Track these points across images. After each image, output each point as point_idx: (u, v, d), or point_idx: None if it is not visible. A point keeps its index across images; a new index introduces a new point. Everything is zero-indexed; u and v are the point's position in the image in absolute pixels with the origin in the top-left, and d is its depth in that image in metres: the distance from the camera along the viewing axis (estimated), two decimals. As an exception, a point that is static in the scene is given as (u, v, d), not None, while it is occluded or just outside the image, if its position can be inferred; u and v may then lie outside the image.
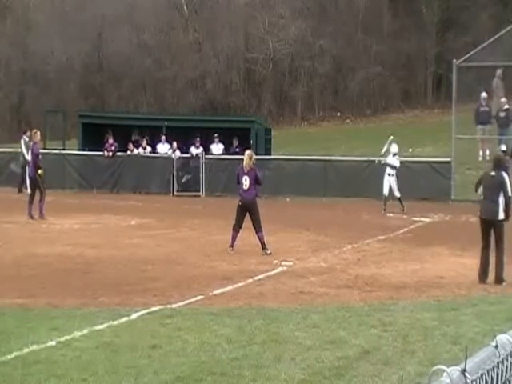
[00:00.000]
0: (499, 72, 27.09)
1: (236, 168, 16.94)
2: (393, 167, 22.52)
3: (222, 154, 28.51)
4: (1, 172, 28.83)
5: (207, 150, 28.49)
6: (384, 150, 22.78)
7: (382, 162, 22.76)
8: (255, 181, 15.74)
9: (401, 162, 23.39)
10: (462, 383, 2.30)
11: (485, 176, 13.34)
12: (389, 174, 22.56)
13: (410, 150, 25.12)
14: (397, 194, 22.40)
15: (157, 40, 49.26)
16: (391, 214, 22.02)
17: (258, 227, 15.50)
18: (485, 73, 27.03)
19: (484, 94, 27.02)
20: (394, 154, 22.69)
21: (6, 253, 15.04)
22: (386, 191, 22.50)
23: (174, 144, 28.35)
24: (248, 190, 15.69)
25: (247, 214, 15.66)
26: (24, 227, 19.25)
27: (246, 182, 15.69)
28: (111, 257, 14.85)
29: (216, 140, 28.88)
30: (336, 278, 13.18)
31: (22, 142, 25.67)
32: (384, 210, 22.10)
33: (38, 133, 22.37)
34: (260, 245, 15.43)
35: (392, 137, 23.01)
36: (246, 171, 15.77)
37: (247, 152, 16.59)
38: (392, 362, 8.29)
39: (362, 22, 46.91)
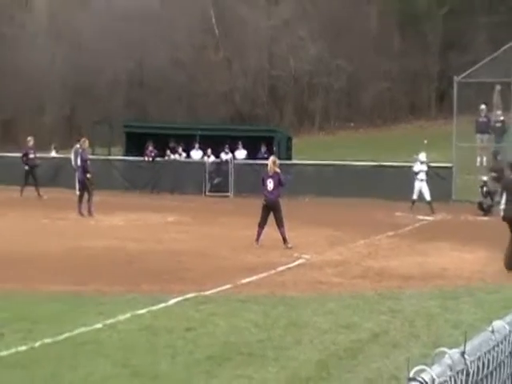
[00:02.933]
0: (498, 88, 26.86)
1: (261, 172, 16.94)
2: (423, 172, 22.28)
3: (245, 158, 28.53)
4: (56, 174, 29.01)
5: (235, 156, 28.54)
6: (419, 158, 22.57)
7: (414, 171, 22.50)
8: (279, 183, 15.76)
9: (406, 167, 23.29)
10: (461, 364, 2.30)
11: (507, 181, 13.31)
12: (421, 180, 22.33)
13: (415, 156, 24.94)
14: (427, 197, 22.13)
15: (191, 58, 49.36)
16: (399, 213, 21.90)
17: (280, 224, 15.50)
18: (483, 88, 26.81)
19: (483, 106, 26.82)
20: (422, 162, 22.52)
21: (59, 245, 15.13)
22: (415, 196, 22.25)
23: (209, 150, 28.38)
24: (272, 191, 15.70)
25: (271, 212, 15.66)
26: (75, 223, 19.35)
27: (270, 184, 15.71)
28: (151, 249, 14.89)
29: (239, 146, 28.91)
30: (350, 269, 13.13)
31: (74, 149, 25.89)
32: (411, 209, 21.82)
33: (87, 141, 22.55)
34: (282, 239, 15.43)
35: (426, 141, 22.96)
36: (270, 174, 15.79)
37: (271, 158, 16.64)
38: (399, 345, 8.25)
39: (373, 43, 46.74)
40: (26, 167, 26.06)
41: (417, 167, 22.54)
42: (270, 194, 15.71)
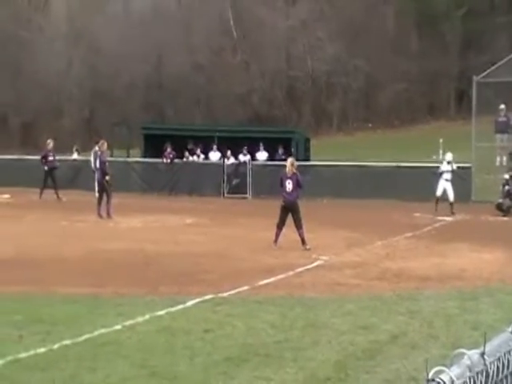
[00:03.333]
0: (519, 87, 26.68)
1: (279, 173, 16.92)
2: (448, 172, 22.18)
3: (266, 160, 28.53)
4: (76, 176, 29.15)
5: (253, 157, 28.54)
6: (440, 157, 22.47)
7: (440, 170, 22.39)
8: (297, 184, 15.73)
9: (424, 168, 23.20)
10: (481, 365, 2.27)
11: None
12: (446, 180, 22.20)
13: (434, 156, 24.85)
14: (451, 198, 22.01)
15: (209, 60, 49.48)
16: (418, 214, 21.80)
17: (299, 225, 15.48)
18: (502, 88, 26.62)
19: (502, 106, 26.65)
20: (449, 162, 22.41)
21: (78, 248, 15.19)
22: (439, 193, 22.11)
23: (228, 152, 28.40)
24: (290, 192, 15.68)
25: (289, 213, 15.64)
26: (94, 225, 19.42)
27: (288, 185, 15.69)
28: (170, 251, 14.91)
29: (261, 148, 28.91)
30: (368, 270, 13.08)
31: (93, 151, 26.02)
32: (436, 210, 21.70)
33: (105, 143, 22.63)
34: (300, 241, 15.40)
35: (441, 140, 22.85)
36: (288, 176, 15.77)
37: (289, 159, 16.60)
38: (418, 346, 8.20)
39: (391, 43, 46.63)
40: (46, 168, 26.24)
41: (443, 167, 22.40)
42: (288, 196, 15.69)
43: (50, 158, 26.58)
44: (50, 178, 26.19)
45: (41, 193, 25.75)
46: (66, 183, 27.39)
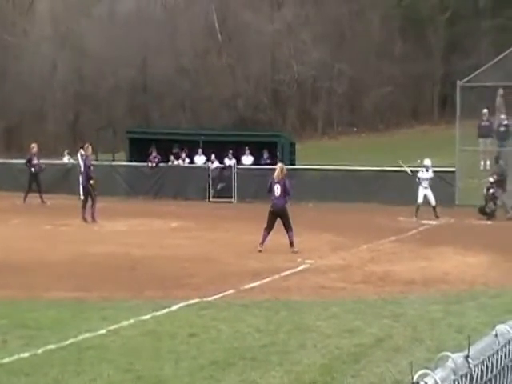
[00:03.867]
0: (501, 91, 26.85)
1: (265, 177, 16.95)
2: (426, 180, 22.22)
3: (252, 164, 28.53)
4: (60, 182, 29.01)
5: (239, 161, 28.53)
6: (409, 171, 22.50)
7: (418, 178, 22.40)
8: (285, 191, 15.78)
9: (412, 172, 23.29)
10: (465, 368, 2.29)
11: None
12: (425, 187, 22.21)
13: (419, 160, 24.92)
14: (433, 202, 22.05)
15: (194, 64, 49.44)
16: (402, 218, 21.87)
17: (288, 228, 15.59)
18: (486, 92, 26.79)
19: (485, 110, 26.81)
20: (427, 169, 22.42)
21: (62, 252, 15.14)
22: (420, 200, 22.13)
23: (213, 156, 28.39)
24: (279, 197, 15.73)
25: (277, 218, 15.69)
26: (78, 229, 19.35)
27: (277, 190, 15.74)
28: (155, 255, 14.88)
29: (247, 152, 28.90)
30: (353, 274, 13.12)
31: (79, 155, 25.93)
32: (416, 216, 21.66)
33: (90, 147, 22.58)
34: (289, 243, 15.45)
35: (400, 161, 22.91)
36: (277, 180, 15.82)
37: (279, 165, 16.69)
38: (403, 349, 8.24)
39: (376, 47, 46.80)
40: (32, 170, 26.14)
41: (421, 174, 22.42)
42: (276, 200, 15.73)
43: (35, 162, 26.48)
44: (35, 182, 26.09)
45: (25, 197, 25.63)
46: (50, 187, 27.27)
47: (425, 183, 22.24)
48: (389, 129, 45.45)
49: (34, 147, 26.85)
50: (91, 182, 21.16)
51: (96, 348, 8.20)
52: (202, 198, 27.65)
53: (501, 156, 23.98)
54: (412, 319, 9.67)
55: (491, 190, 22.13)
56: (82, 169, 22.09)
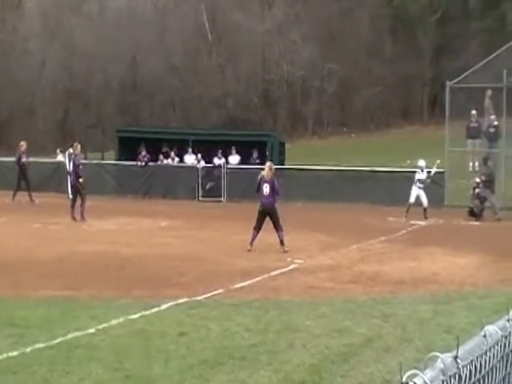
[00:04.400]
0: (489, 93, 26.94)
1: (254, 177, 16.94)
2: (422, 181, 22.24)
3: (239, 163, 28.51)
4: (48, 180, 28.93)
5: (228, 161, 28.55)
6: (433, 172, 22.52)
7: (416, 179, 22.39)
8: (273, 189, 15.78)
9: (399, 172, 23.32)
10: (454, 368, 2.31)
11: None
12: (419, 187, 22.22)
13: (408, 161, 25.00)
14: (425, 204, 22.06)
15: (184, 63, 49.40)
16: (392, 218, 21.93)
17: (278, 227, 15.58)
18: (475, 93, 26.89)
19: (474, 112, 26.91)
20: (422, 169, 22.41)
21: (51, 250, 15.10)
22: (412, 200, 22.10)
23: (199, 155, 28.40)
24: (267, 196, 15.73)
25: (266, 217, 15.69)
26: (67, 228, 19.31)
27: (266, 189, 15.73)
28: (144, 254, 14.87)
29: (233, 152, 28.90)
30: (342, 274, 13.15)
31: (67, 153, 25.86)
32: (406, 216, 21.67)
33: (79, 146, 22.53)
34: (279, 242, 15.46)
35: (439, 161, 22.86)
36: (266, 180, 15.81)
37: (268, 164, 16.64)
38: (392, 349, 8.27)
39: (365, 47, 46.89)
40: (23, 167, 26.04)
41: (419, 175, 22.41)
42: (265, 200, 15.73)
43: (23, 160, 26.40)
44: (23, 180, 26.00)
45: (14, 195, 25.54)
46: (39, 185, 27.17)
47: (420, 183, 22.29)
48: (379, 129, 45.54)
49: (23, 145, 26.76)
50: (80, 180, 21.12)
51: (85, 347, 8.19)
52: (191, 197, 27.63)
53: (489, 157, 24.07)
54: (401, 319, 9.71)
55: (477, 190, 22.23)
56: (71, 168, 22.04)
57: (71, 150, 23.63)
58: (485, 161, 23.54)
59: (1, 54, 49.63)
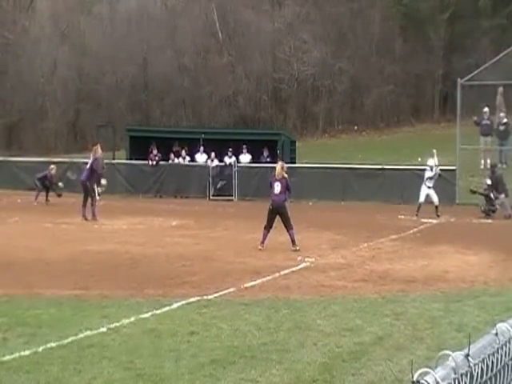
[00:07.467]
0: (501, 90, 26.84)
1: (265, 175, 16.97)
2: (431, 179, 22.13)
3: (250, 162, 28.51)
4: (59, 179, 28.94)
5: (239, 160, 28.55)
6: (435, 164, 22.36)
7: (426, 177, 22.27)
8: (286, 188, 15.79)
9: (409, 170, 23.23)
10: (465, 366, 2.29)
11: None
12: (428, 187, 22.12)
13: (419, 159, 24.92)
14: (436, 202, 21.98)
15: (195, 62, 49.43)
16: (402, 216, 21.88)
17: (289, 226, 15.56)
18: (486, 90, 26.79)
19: (486, 109, 26.81)
20: (431, 168, 22.30)
21: (63, 249, 15.15)
22: (422, 199, 22.04)
23: (212, 154, 28.39)
24: (278, 194, 15.74)
25: (277, 215, 15.68)
26: (79, 227, 19.35)
27: (277, 187, 15.75)
28: (155, 253, 14.89)
29: (244, 151, 28.90)
30: (353, 272, 13.12)
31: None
32: (416, 215, 21.52)
33: (99, 148, 21.62)
34: (290, 241, 15.45)
35: (435, 150, 22.70)
36: (277, 178, 15.84)
37: (279, 163, 16.77)
38: (403, 348, 8.23)
39: (376, 46, 46.80)
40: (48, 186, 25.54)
41: (427, 173, 22.32)
42: (276, 198, 15.74)
43: (52, 181, 25.61)
44: (40, 183, 25.57)
45: (36, 196, 25.16)
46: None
47: (429, 182, 22.20)
48: (389, 127, 45.46)
49: (53, 169, 26.02)
50: (102, 182, 21.05)
51: (96, 346, 8.19)
52: (202, 196, 27.67)
53: (497, 164, 23.70)
54: (412, 318, 9.67)
55: (486, 191, 22.23)
56: (87, 167, 21.42)
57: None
58: (492, 169, 23.22)
59: (12, 55, 49.81)
